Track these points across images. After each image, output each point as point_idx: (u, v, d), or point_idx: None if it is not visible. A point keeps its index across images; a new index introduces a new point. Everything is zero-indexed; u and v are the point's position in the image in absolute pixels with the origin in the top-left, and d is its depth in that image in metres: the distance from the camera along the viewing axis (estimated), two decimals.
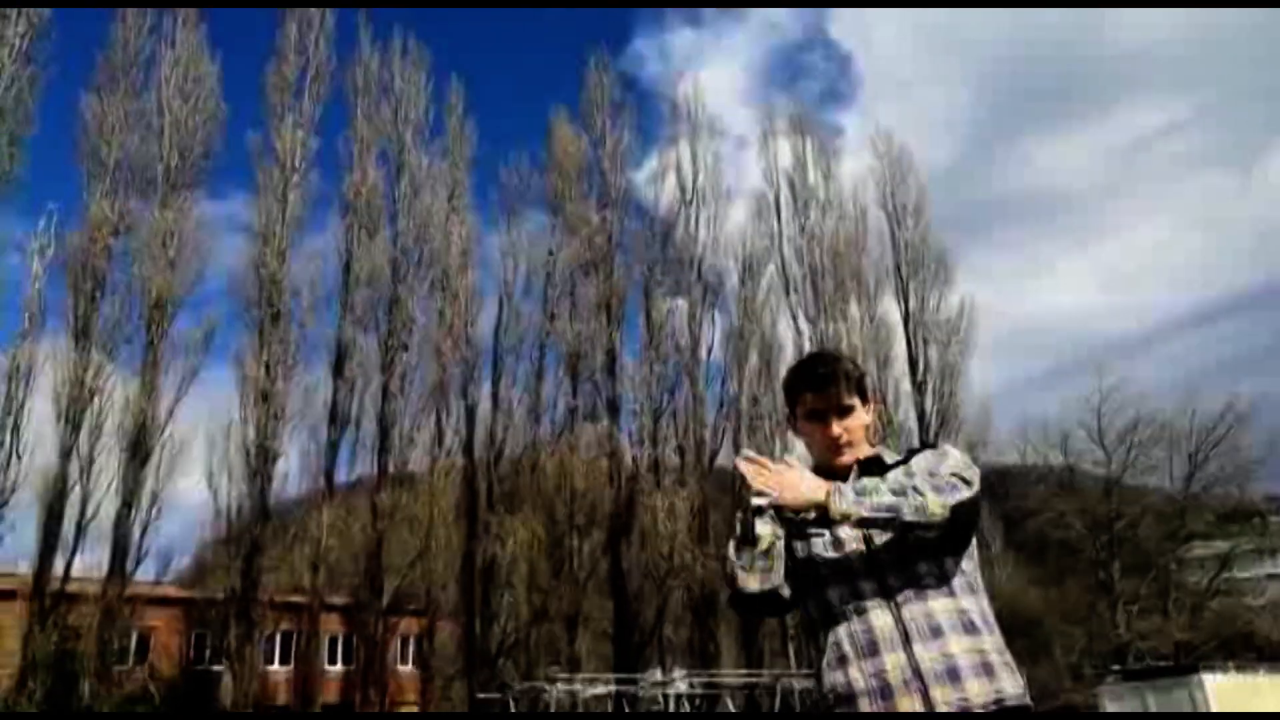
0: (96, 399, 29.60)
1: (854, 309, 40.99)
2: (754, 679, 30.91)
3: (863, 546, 2.13)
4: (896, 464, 2.24)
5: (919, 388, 40.12)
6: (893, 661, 2.00)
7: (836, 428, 2.24)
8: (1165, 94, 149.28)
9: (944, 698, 1.95)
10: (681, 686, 29.05)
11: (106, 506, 29.04)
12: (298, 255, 34.91)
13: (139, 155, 32.93)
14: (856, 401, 2.28)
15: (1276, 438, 39.88)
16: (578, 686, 28.48)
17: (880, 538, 2.12)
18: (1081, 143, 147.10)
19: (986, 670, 1.99)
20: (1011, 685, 2.01)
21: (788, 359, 39.83)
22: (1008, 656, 2.05)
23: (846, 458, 2.25)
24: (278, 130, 35.77)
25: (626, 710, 29.15)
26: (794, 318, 40.31)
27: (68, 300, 30.35)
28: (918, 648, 2.00)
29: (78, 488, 28.77)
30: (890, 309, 41.34)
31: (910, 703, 1.97)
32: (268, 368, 32.30)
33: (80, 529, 28.57)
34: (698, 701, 31.38)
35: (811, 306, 40.51)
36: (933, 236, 42.40)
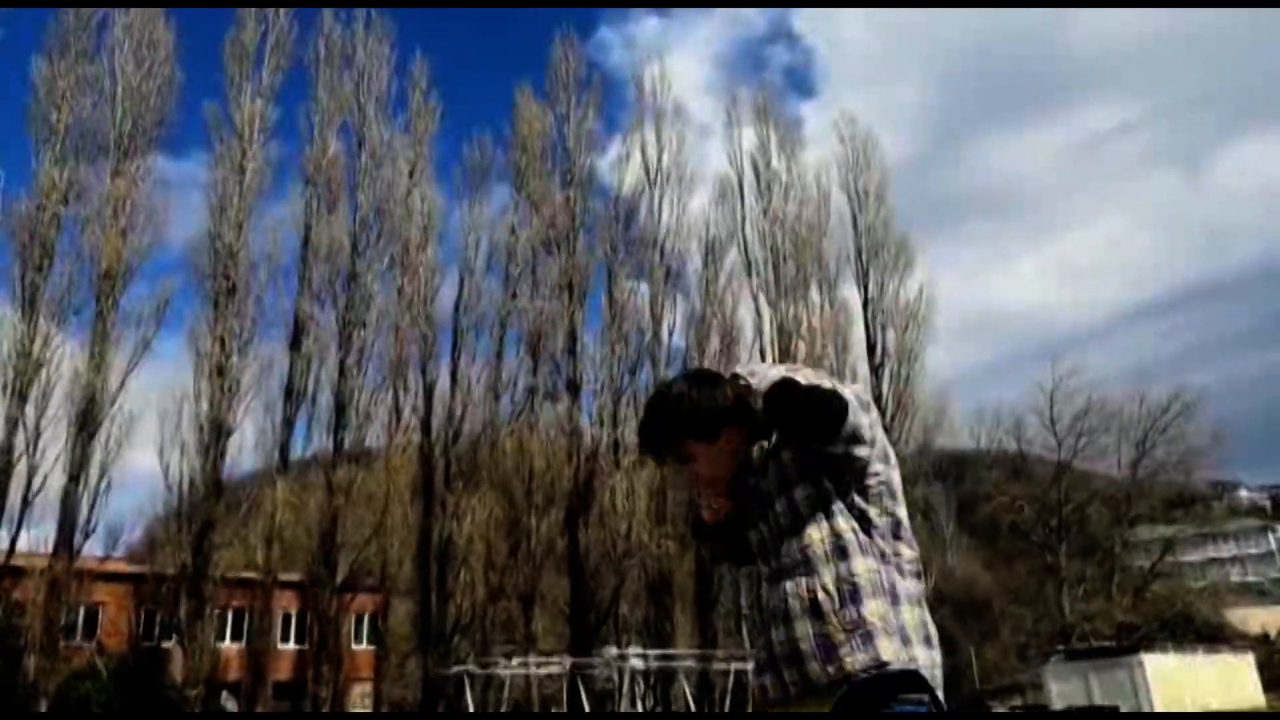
0: (44, 370, 29.00)
1: (815, 293, 41.25)
2: (708, 657, 31.21)
3: (772, 527, 2.18)
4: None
5: (876, 372, 40.54)
6: (772, 638, 2.08)
7: (691, 473, 2.29)
8: (1119, 95, 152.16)
9: (790, 679, 2.02)
10: (636, 664, 29.25)
11: (54, 480, 28.55)
12: (255, 227, 34.38)
13: (91, 121, 32.21)
14: (694, 446, 2.23)
15: (1221, 427, 41.00)
16: (532, 665, 28.56)
17: (780, 509, 2.15)
18: (1041, 140, 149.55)
19: (826, 650, 1.96)
20: (860, 659, 1.93)
21: (748, 342, 40.09)
22: (870, 625, 1.95)
23: (722, 499, 2.28)
24: (236, 100, 35.09)
25: (582, 688, 29.30)
26: (755, 300, 40.46)
27: (14, 268, 29.68)
28: (773, 632, 2.06)
29: (24, 460, 28.23)
30: (850, 293, 41.69)
31: (771, 680, 2.07)
32: (223, 341, 31.80)
33: (26, 502, 28.06)
34: (652, 679, 31.65)
35: (773, 290, 40.68)
36: (894, 222, 42.76)
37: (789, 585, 2.06)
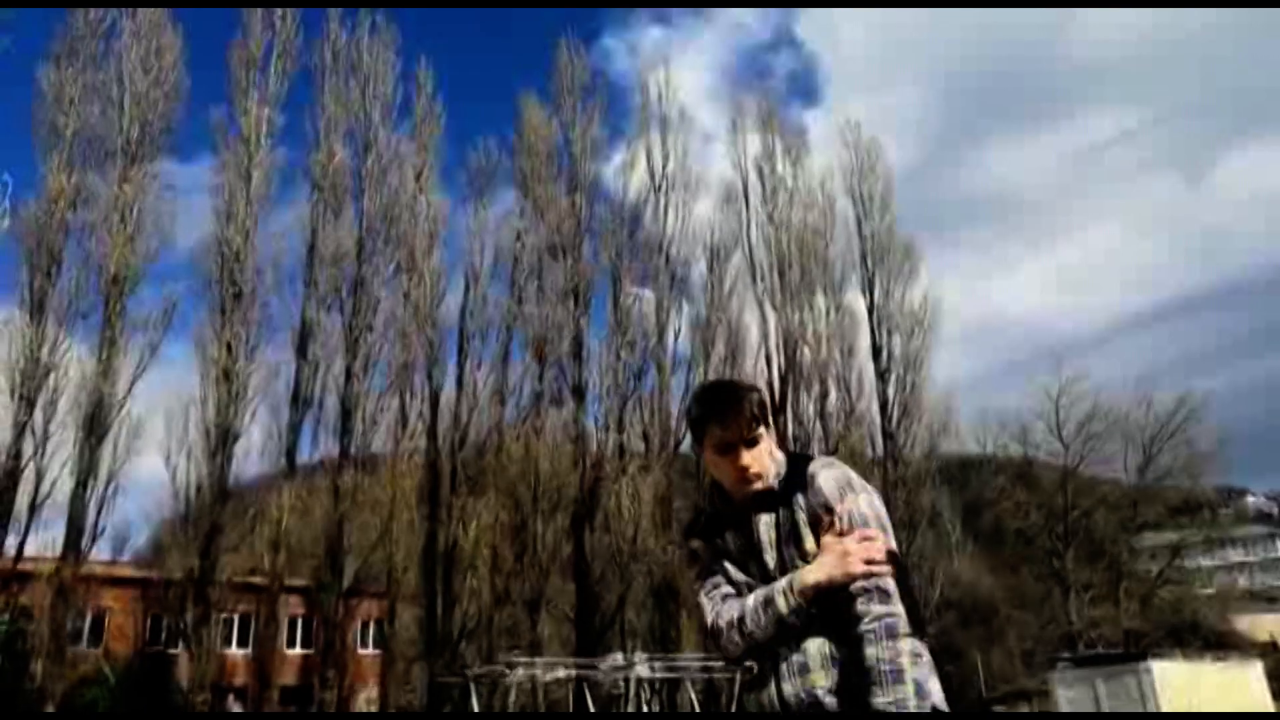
0: (52, 375, 29.07)
1: (820, 298, 41.32)
2: (714, 664, 31.13)
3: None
4: (786, 490, 2.26)
5: (882, 377, 40.55)
6: (766, 695, 2.17)
7: (746, 458, 2.25)
8: (1120, 103, 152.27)
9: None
10: (642, 670, 29.17)
11: (61, 484, 28.60)
12: (262, 232, 34.48)
13: (98, 127, 32.31)
14: (761, 430, 2.29)
15: (1227, 432, 40.87)
16: (538, 670, 28.50)
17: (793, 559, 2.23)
18: (1041, 147, 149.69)
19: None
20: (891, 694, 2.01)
21: (753, 347, 40.10)
22: (900, 662, 2.04)
23: (756, 486, 2.27)
24: (242, 106, 35.22)
25: (588, 694, 29.26)
26: (760, 306, 40.50)
27: (22, 274, 29.79)
28: (785, 685, 2.13)
29: (31, 465, 28.28)
30: (855, 299, 41.74)
31: None
32: (229, 346, 31.87)
33: (34, 507, 28.11)
34: (658, 685, 31.59)
35: (778, 295, 40.72)
36: (899, 227, 42.81)
37: (808, 644, 2.14)
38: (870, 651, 2.03)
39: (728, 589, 2.31)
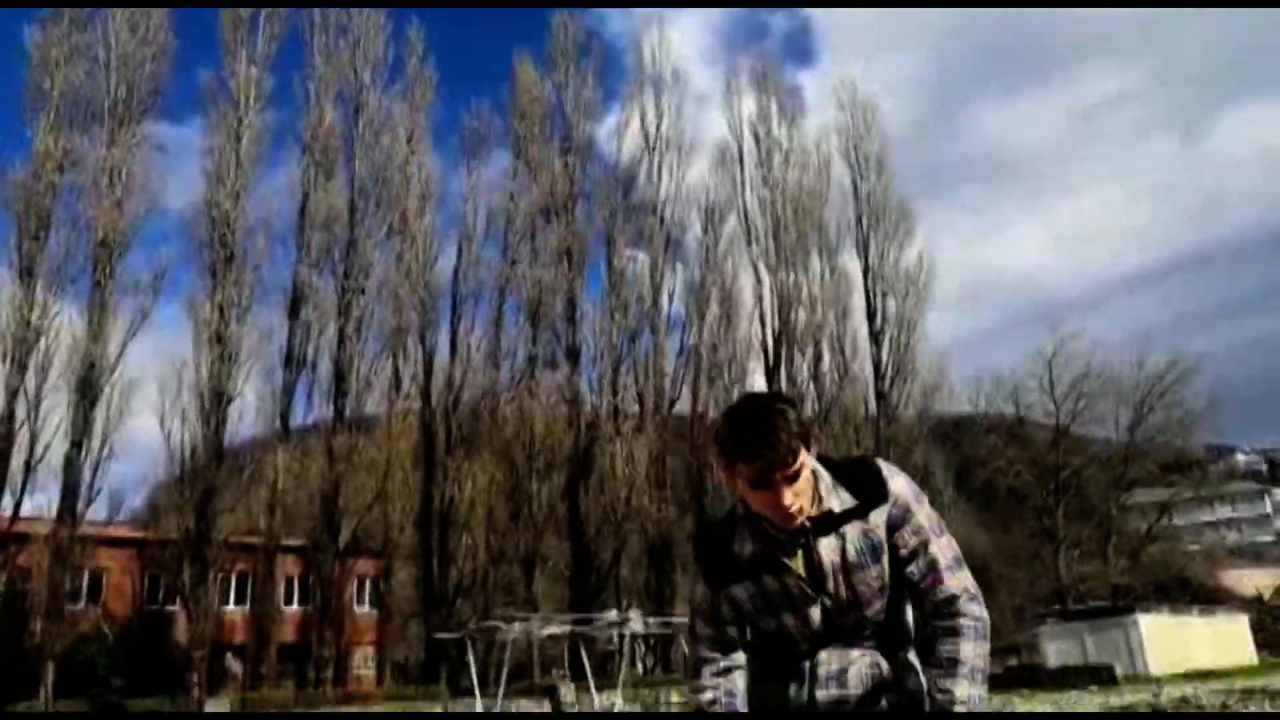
0: (43, 338, 29.10)
1: (815, 260, 41.30)
2: None
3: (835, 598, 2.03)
4: (847, 514, 1.99)
5: (876, 338, 40.65)
6: (794, 693, 2.04)
7: (788, 496, 1.89)
8: (1117, 63, 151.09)
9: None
10: (637, 627, 29.51)
11: (56, 447, 28.75)
12: (253, 195, 34.37)
13: (85, 89, 32.07)
14: (803, 456, 1.91)
15: (1218, 392, 40.96)
16: (533, 626, 28.81)
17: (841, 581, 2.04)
18: (1038, 108, 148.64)
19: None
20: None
21: (747, 309, 40.10)
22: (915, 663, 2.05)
23: (799, 521, 1.96)
24: (231, 67, 34.94)
25: (583, 650, 29.58)
26: (755, 268, 40.48)
27: (11, 237, 29.74)
28: (819, 690, 2.02)
29: (25, 428, 28.39)
30: (850, 261, 41.70)
31: None
32: (221, 309, 31.87)
33: (29, 469, 28.25)
34: (652, 641, 32.01)
35: (773, 257, 40.68)
36: (894, 189, 42.64)
37: (854, 652, 2.06)
38: (967, 648, 1.96)
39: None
